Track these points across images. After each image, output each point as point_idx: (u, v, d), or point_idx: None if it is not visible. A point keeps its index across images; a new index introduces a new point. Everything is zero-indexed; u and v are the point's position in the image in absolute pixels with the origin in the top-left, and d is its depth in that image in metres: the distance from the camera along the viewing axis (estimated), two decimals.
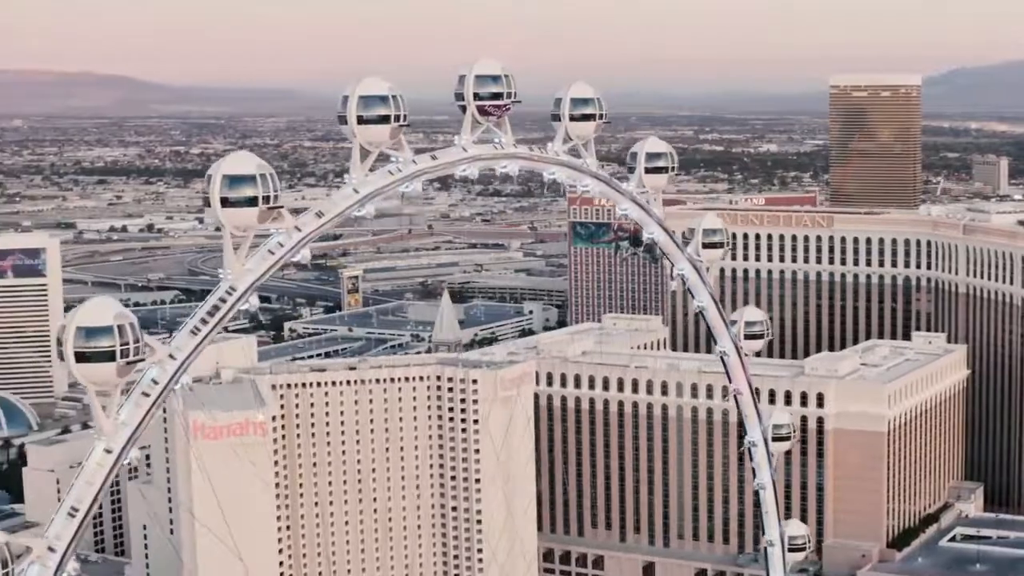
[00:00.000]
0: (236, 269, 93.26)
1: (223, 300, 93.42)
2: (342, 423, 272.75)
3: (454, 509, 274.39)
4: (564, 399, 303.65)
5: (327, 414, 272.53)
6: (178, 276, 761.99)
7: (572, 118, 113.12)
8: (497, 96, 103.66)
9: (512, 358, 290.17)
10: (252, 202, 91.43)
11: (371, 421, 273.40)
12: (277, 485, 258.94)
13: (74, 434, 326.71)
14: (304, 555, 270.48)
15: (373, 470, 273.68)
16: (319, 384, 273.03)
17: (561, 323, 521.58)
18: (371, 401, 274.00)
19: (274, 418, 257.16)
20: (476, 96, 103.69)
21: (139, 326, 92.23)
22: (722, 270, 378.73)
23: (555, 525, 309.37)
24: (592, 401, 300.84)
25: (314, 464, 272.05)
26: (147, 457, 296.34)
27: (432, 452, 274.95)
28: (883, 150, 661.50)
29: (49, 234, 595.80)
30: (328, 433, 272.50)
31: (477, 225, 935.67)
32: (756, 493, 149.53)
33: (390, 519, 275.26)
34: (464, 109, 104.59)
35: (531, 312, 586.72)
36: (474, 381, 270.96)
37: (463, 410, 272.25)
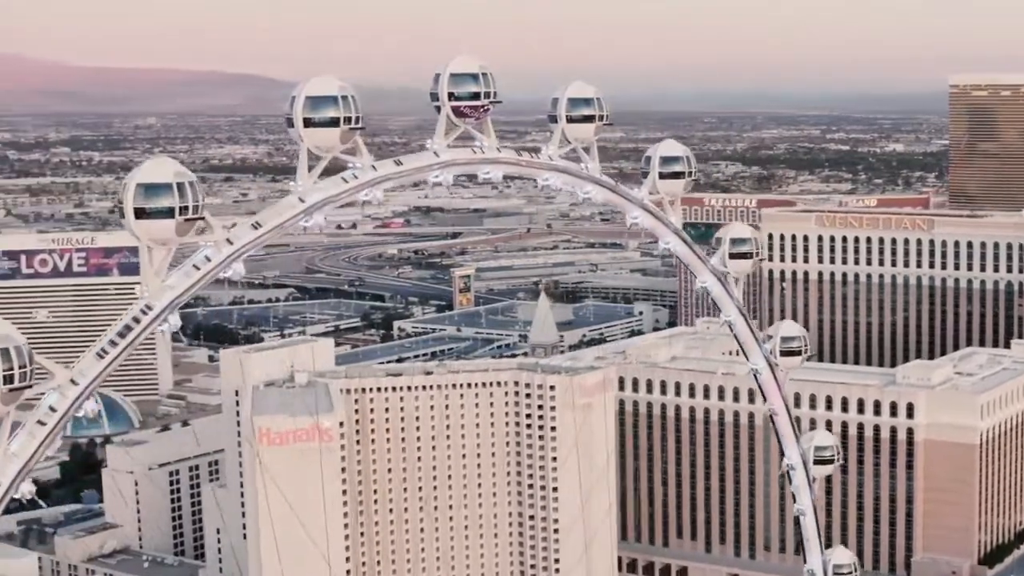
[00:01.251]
0: (153, 285, 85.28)
1: (136, 320, 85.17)
2: (417, 428, 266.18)
3: (531, 518, 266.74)
4: (650, 405, 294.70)
5: (402, 419, 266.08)
6: (295, 274, 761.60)
7: (570, 119, 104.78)
8: (475, 96, 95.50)
9: (593, 364, 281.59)
10: (169, 213, 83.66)
11: (447, 427, 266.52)
12: (346, 492, 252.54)
13: (156, 434, 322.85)
14: (378, 563, 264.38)
15: (449, 477, 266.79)
16: (394, 389, 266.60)
17: (671, 324, 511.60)
18: (447, 407, 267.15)
19: (342, 424, 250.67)
20: (451, 96, 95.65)
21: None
22: (819, 274, 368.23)
23: (639, 534, 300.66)
24: (678, 408, 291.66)
25: (389, 470, 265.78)
26: (213, 463, 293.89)
27: (509, 459, 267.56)
28: (1005, 151, 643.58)
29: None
30: (403, 439, 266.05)
31: (596, 224, 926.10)
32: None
33: (466, 527, 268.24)
34: (439, 111, 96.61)
35: (641, 313, 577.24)
36: (551, 388, 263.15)
37: (540, 417, 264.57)
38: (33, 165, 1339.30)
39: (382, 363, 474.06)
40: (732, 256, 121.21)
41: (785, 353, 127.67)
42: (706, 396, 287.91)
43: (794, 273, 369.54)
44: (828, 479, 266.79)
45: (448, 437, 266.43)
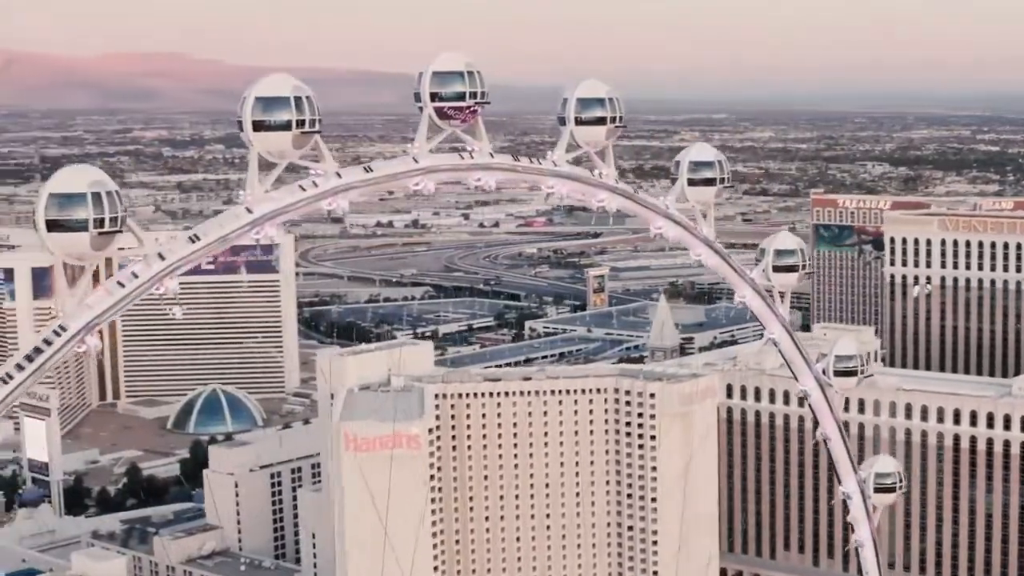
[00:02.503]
0: (68, 304, 77.87)
1: (48, 342, 77.70)
2: (514, 436, 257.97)
3: (630, 528, 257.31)
4: (757, 414, 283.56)
5: (499, 426, 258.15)
6: (433, 272, 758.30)
7: (579, 121, 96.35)
8: (459, 96, 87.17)
9: (696, 371, 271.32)
10: (83, 226, 76.19)
11: (545, 435, 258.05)
12: (434, 500, 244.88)
13: (258, 435, 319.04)
14: (473, 572, 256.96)
15: (546, 486, 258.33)
16: (491, 394, 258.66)
17: (805, 328, 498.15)
18: (545, 414, 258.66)
19: (431, 429, 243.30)
20: (434, 96, 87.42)
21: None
22: (942, 279, 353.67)
23: (746, 546, 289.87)
24: (786, 417, 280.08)
25: (485, 477, 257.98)
26: (315, 465, 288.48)
27: (608, 469, 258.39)
28: None
29: (286, 230, 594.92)
30: (500, 446, 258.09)
31: (738, 224, 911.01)
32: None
33: (563, 536, 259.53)
34: (422, 112, 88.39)
35: None
36: (651, 395, 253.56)
37: (640, 425, 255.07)
38: (186, 162, 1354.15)
39: (500, 365, 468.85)
40: (776, 269, 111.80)
41: (840, 373, 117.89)
42: None
43: (916, 278, 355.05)
44: (938, 495, 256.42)
45: (546, 445, 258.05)
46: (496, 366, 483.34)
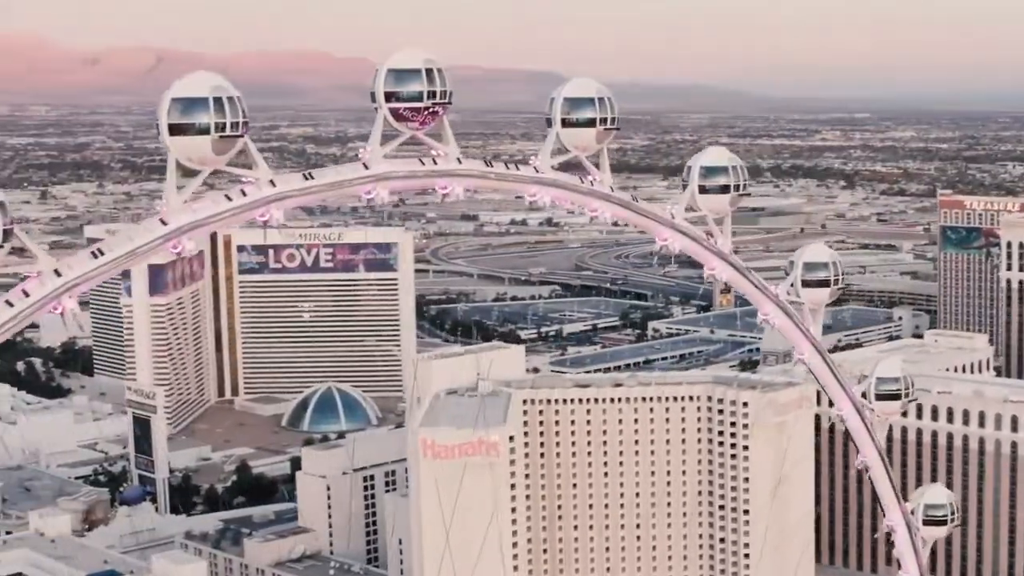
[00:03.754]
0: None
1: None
2: (604, 443, 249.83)
3: (721, 540, 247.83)
4: None
5: (588, 433, 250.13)
6: (563, 271, 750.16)
7: (566, 123, 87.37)
8: (416, 97, 78.80)
9: (791, 379, 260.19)
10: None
11: (635, 443, 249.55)
12: (515, 509, 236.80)
13: (351, 439, 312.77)
14: None
15: (637, 495, 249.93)
16: (580, 401, 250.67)
17: (917, 335, 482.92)
18: (636, 421, 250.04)
19: (512, 438, 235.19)
20: (390, 96, 79.13)
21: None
22: (1021, 284, 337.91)
23: (847, 559, 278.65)
24: (891, 427, 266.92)
25: (574, 485, 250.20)
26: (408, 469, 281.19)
27: (700, 478, 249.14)
28: None
29: (404, 228, 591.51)
30: (589, 454, 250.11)
31: (873, 225, 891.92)
32: None
33: (653, 547, 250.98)
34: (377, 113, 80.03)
35: (900, 318, 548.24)
36: (744, 404, 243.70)
37: (733, 435, 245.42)
38: (328, 159, 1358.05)
39: (619, 366, 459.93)
40: (806, 284, 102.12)
41: (883, 397, 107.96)
42: (918, 416, 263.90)
43: None
44: None
45: (636, 453, 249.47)
46: (616, 367, 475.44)
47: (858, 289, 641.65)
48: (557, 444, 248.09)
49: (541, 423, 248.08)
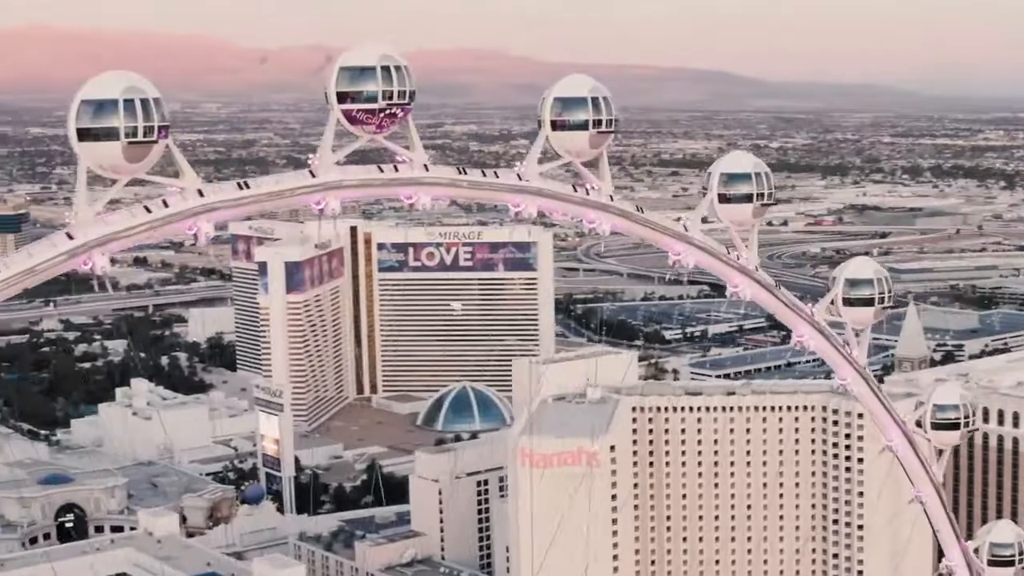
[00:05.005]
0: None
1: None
2: (715, 453, 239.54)
3: (835, 556, 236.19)
4: (985, 437, 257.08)
5: (699, 442, 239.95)
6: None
7: (555, 125, 78.10)
8: (369, 97, 70.03)
9: (914, 389, 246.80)
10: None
11: (747, 454, 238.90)
12: (615, 520, 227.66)
13: (463, 444, 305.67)
14: None
15: (748, 507, 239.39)
16: (691, 409, 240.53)
17: None
18: (748, 431, 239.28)
19: (613, 447, 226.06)
20: (343, 97, 70.45)
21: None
22: None
23: None
24: (1015, 441, 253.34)
25: (683, 496, 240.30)
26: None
27: (815, 491, 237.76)
28: None
29: (543, 227, 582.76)
30: (700, 463, 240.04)
31: None
32: None
33: (765, 561, 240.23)
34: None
35: None
36: (860, 415, 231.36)
37: (848, 447, 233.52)
38: (491, 157, 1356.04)
39: (760, 369, 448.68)
40: (848, 302, 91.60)
41: (940, 426, 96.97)
42: None
43: None
44: None
45: (748, 465, 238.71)
46: (756, 369, 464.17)
47: (1010, 292, 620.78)
48: (666, 453, 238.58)
49: (650, 431, 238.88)
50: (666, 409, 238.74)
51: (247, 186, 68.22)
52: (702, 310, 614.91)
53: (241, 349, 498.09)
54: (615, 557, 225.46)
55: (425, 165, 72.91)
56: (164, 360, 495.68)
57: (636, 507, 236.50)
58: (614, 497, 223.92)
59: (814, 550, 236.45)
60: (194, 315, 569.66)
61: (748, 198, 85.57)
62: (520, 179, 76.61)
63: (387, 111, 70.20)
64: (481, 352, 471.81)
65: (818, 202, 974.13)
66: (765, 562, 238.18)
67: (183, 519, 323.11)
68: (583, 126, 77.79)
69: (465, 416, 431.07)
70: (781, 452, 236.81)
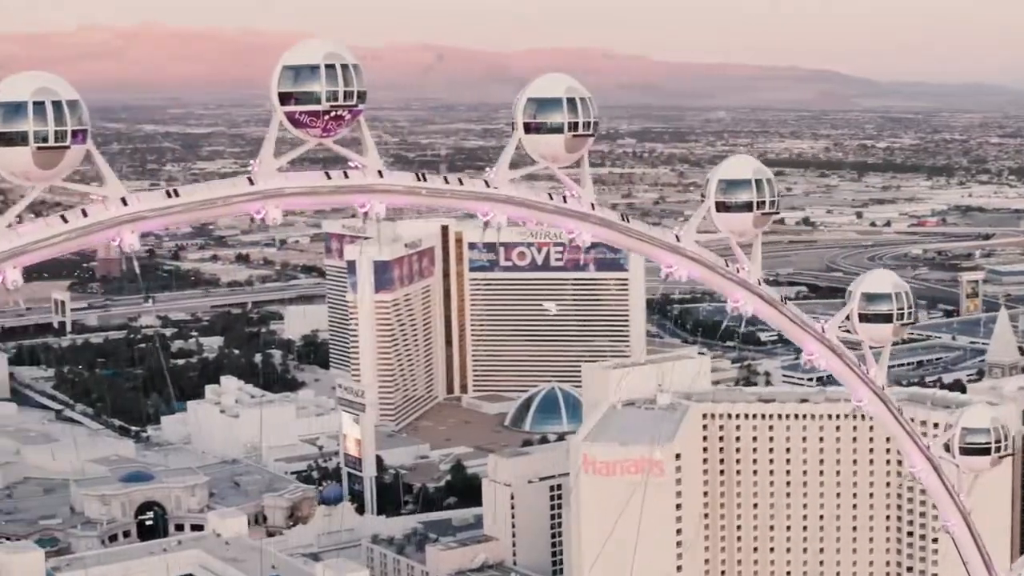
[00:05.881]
0: None
1: None
2: (787, 462, 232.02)
3: (909, 570, 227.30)
4: None
5: (771, 450, 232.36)
6: (812, 271, 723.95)
7: (529, 128, 71.56)
8: (312, 98, 63.93)
9: (994, 398, 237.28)
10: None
11: (820, 462, 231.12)
12: (680, 530, 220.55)
13: (537, 447, 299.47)
14: None
15: (820, 518, 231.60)
16: (763, 416, 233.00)
17: None
18: (821, 440, 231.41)
19: (679, 455, 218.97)
20: (286, 98, 64.41)
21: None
22: None
23: None
24: None
25: (754, 506, 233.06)
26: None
27: (889, 503, 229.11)
28: None
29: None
30: (771, 472, 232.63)
31: None
32: None
33: (838, 574, 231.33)
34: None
35: None
36: (935, 425, 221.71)
37: None
38: (595, 156, 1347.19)
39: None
40: (865, 318, 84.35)
41: (970, 451, 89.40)
42: None
43: None
44: None
45: (821, 474, 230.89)
46: None
47: None
48: (737, 462, 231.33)
49: (721, 439, 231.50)
50: (737, 416, 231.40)
51: (176, 194, 62.43)
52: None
53: (334, 348, 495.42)
54: (679, 568, 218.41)
55: (380, 171, 66.80)
56: (258, 357, 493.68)
57: (706, 516, 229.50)
58: (679, 507, 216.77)
59: (888, 563, 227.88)
60: (290, 312, 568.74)
61: (748, 206, 78.39)
62: (488, 186, 69.97)
63: (333, 113, 64.17)
64: (571, 352, 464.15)
65: (922, 203, 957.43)
66: (838, 575, 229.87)
67: (263, 518, 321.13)
68: (558, 129, 70.87)
69: (553, 417, 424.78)
70: (855, 462, 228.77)
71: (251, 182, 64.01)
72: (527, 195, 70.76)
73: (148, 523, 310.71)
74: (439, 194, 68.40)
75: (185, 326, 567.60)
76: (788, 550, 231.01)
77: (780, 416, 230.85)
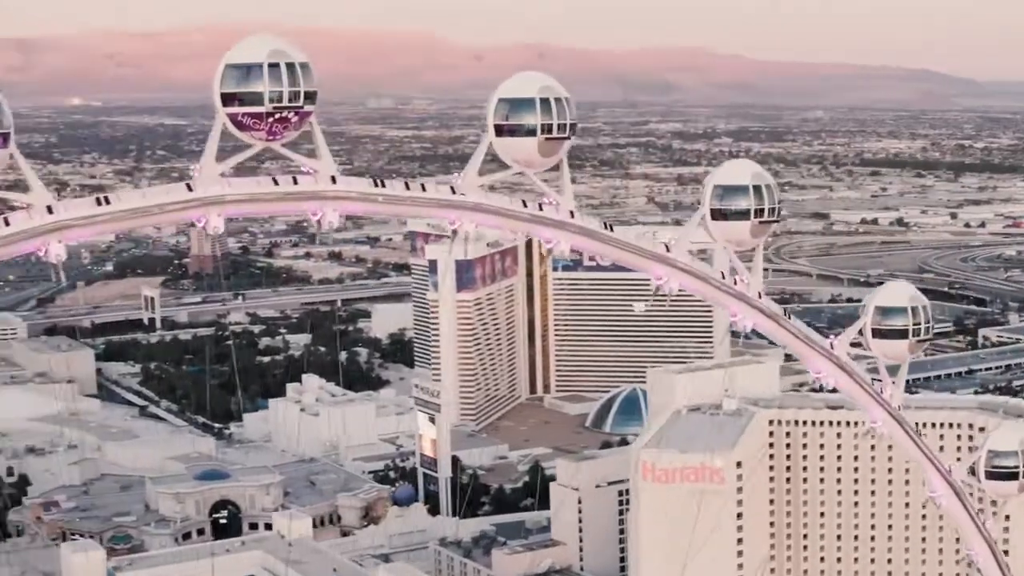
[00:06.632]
0: None
1: None
2: (855, 470, 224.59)
3: None
4: None
5: (839, 458, 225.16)
6: (904, 273, 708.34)
7: (501, 131, 66.12)
8: (255, 99, 58.92)
9: None
10: None
11: (889, 471, 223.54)
12: (741, 539, 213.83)
13: (606, 451, 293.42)
14: None
15: (889, 527, 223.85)
16: (831, 423, 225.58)
17: None
18: (890, 448, 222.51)
19: (740, 463, 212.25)
20: (229, 99, 59.47)
21: None
22: None
23: None
24: None
25: (821, 515, 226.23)
26: None
27: None
28: None
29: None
30: (839, 480, 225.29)
31: None
32: None
33: None
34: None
35: None
36: None
37: None
38: (693, 155, 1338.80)
39: (940, 376, 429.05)
40: (878, 333, 78.09)
41: (996, 475, 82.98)
42: None
43: None
44: None
45: (890, 483, 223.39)
46: (935, 376, 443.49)
47: None
48: (804, 469, 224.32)
49: (788, 445, 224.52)
50: (804, 423, 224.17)
51: (107, 201, 57.75)
52: (854, 316, 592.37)
53: (419, 346, 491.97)
54: None
55: (333, 177, 61.64)
56: (344, 356, 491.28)
57: (772, 525, 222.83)
58: (740, 516, 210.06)
59: (958, 575, 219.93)
60: (378, 311, 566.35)
61: (745, 214, 72.46)
62: (454, 192, 64.63)
63: (277, 115, 59.09)
64: (656, 353, 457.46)
65: (1019, 204, 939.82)
66: None
67: (338, 518, 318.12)
68: (531, 132, 65.31)
69: (634, 419, 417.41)
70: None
71: (190, 188, 59.08)
72: (498, 202, 65.21)
73: (222, 522, 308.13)
74: (398, 201, 63.15)
75: (273, 323, 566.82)
76: (855, 560, 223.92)
77: (848, 423, 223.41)
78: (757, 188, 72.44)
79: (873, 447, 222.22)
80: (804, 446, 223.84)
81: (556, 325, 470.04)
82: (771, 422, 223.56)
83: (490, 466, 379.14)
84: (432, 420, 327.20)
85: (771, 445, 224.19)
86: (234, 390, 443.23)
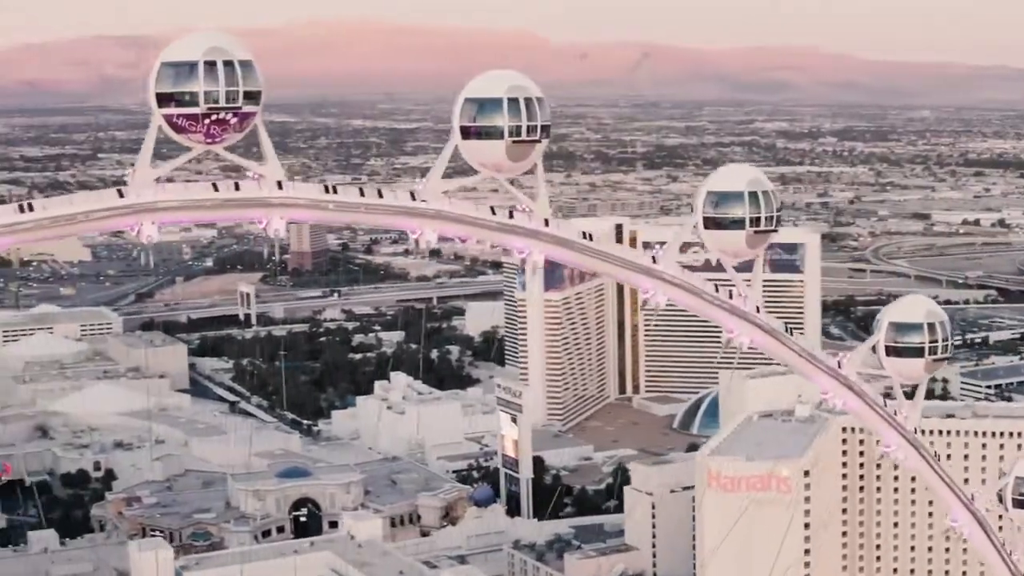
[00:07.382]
0: None
1: None
2: None
3: None
4: None
5: None
6: (1003, 275, 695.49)
7: (467, 133, 61.06)
8: (188, 99, 54.41)
9: None
10: None
11: (964, 481, 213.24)
12: (808, 550, 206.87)
13: (680, 455, 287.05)
14: None
15: (964, 539, 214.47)
16: None
17: None
18: (966, 457, 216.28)
19: (807, 472, 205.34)
20: (165, 99, 55.01)
21: None
22: None
23: None
24: None
25: (895, 524, 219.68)
26: None
27: None
28: None
29: (811, 228, 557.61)
30: (913, 490, 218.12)
31: None
32: None
33: None
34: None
35: None
36: None
37: None
38: (796, 154, 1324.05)
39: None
40: (892, 351, 72.14)
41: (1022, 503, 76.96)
42: None
43: None
44: None
45: None
46: (1020, 382, 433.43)
47: None
48: (878, 478, 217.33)
49: (861, 453, 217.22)
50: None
51: (31, 208, 53.55)
52: (986, 316, 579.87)
53: (509, 345, 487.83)
54: None
55: (279, 182, 56.96)
56: (436, 353, 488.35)
57: (844, 534, 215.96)
58: (807, 526, 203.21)
59: None
60: (471, 308, 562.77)
61: (740, 223, 67.03)
62: (414, 199, 59.72)
63: (215, 118, 54.52)
64: (744, 355, 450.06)
65: None
66: None
67: (417, 518, 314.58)
68: (499, 134, 60.23)
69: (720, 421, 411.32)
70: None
71: (121, 195, 54.72)
72: (463, 209, 60.19)
73: (302, 520, 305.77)
74: (351, 208, 58.28)
75: (367, 320, 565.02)
76: (929, 572, 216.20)
77: (923, 432, 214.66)
78: (754, 195, 67.16)
79: (949, 456, 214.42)
80: (879, 454, 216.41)
81: (646, 325, 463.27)
82: (844, 429, 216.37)
83: (574, 467, 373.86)
84: (514, 420, 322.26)
85: (844, 453, 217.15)
86: (325, 387, 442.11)
